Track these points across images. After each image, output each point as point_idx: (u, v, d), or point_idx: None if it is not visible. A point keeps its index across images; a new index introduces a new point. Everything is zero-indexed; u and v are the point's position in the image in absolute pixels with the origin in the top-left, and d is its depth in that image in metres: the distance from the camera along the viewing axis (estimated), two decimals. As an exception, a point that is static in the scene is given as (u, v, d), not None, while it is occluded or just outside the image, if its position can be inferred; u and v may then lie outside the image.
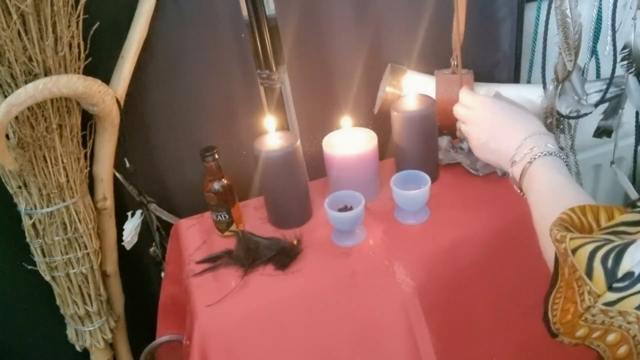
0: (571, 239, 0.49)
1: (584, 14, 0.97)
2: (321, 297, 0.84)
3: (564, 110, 1.06)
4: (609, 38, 1.03)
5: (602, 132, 1.15)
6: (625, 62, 1.02)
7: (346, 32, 1.10)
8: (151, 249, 1.16)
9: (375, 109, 1.17)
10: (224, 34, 1.02)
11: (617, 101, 1.08)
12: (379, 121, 1.14)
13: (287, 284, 0.85)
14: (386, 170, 1.05)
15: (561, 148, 1.15)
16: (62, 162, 0.93)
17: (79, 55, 0.90)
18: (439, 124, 1.01)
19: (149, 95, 1.04)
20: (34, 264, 1.00)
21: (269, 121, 0.94)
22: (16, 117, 0.84)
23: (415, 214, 0.94)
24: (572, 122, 1.13)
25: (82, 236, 0.99)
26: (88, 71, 0.90)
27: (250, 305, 0.82)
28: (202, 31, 1.01)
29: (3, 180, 0.94)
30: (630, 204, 0.52)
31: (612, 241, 0.46)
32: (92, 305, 1.04)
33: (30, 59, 0.82)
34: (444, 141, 1.08)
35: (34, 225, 0.96)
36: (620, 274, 0.44)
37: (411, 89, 1.04)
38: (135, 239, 1.09)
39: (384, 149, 1.07)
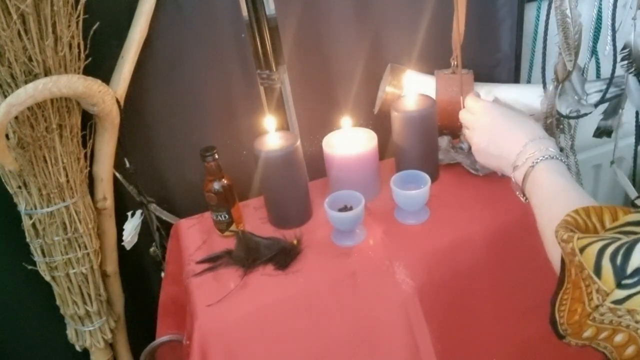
0: (579, 238, 0.48)
1: (584, 14, 0.97)
2: (321, 297, 0.84)
3: (564, 110, 1.06)
4: (609, 38, 1.02)
5: (602, 132, 1.15)
6: (625, 62, 1.02)
7: (346, 32, 1.10)
8: (151, 249, 1.16)
9: (375, 109, 1.17)
10: (224, 33, 1.02)
11: (617, 101, 1.08)
12: (379, 121, 1.14)
13: (287, 284, 0.85)
14: (386, 170, 1.04)
15: (561, 148, 1.15)
16: (62, 162, 0.93)
17: (79, 55, 0.90)
18: (439, 124, 1.01)
19: (149, 95, 1.04)
20: (34, 264, 1.00)
21: (269, 121, 0.95)
22: (16, 117, 0.84)
23: (415, 214, 0.94)
24: (572, 122, 1.13)
25: (82, 236, 0.99)
26: (88, 71, 0.90)
27: (250, 305, 0.82)
28: (202, 31, 1.01)
29: (3, 180, 0.94)
30: (630, 204, 0.52)
31: (620, 239, 0.46)
32: (92, 305, 1.04)
33: (30, 59, 0.82)
34: (444, 141, 1.08)
35: (34, 225, 0.96)
36: (629, 270, 0.44)
37: (411, 89, 1.04)
38: (135, 239, 1.09)
39: (384, 149, 1.07)
